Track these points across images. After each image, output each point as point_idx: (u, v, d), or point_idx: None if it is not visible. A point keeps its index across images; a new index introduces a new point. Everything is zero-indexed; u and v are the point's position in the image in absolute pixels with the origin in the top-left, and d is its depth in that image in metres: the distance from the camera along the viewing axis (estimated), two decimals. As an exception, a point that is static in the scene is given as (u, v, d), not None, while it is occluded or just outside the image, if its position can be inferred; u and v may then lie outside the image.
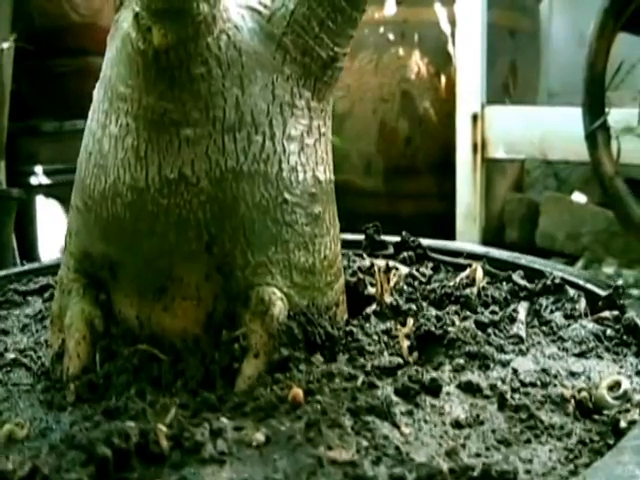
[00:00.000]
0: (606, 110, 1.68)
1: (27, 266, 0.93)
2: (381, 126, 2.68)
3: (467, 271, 0.78)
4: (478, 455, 0.49)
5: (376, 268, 0.70)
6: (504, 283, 0.78)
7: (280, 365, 0.58)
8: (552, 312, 0.72)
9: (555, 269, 0.80)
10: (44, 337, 0.74)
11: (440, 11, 2.60)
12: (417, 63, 2.64)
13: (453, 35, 2.57)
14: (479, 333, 0.63)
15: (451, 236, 2.60)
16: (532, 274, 0.80)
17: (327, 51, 0.60)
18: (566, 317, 0.70)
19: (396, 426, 0.51)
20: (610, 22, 1.62)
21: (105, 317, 0.64)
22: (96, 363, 0.63)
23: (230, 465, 0.47)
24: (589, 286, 0.75)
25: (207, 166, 0.58)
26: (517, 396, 0.55)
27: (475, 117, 2.53)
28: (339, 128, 2.54)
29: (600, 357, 0.63)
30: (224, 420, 0.52)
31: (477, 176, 2.62)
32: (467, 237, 2.59)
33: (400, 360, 0.58)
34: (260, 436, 0.50)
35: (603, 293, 0.72)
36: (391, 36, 2.62)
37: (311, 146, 0.61)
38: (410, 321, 0.63)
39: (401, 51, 2.63)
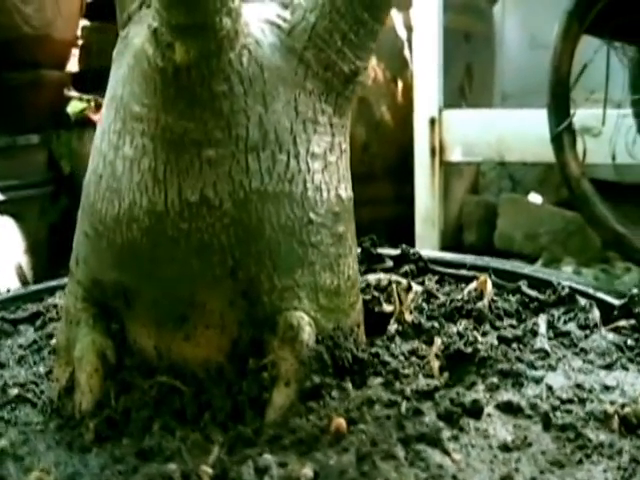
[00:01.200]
0: (571, 112, 1.70)
1: (12, 292, 0.89)
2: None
3: (474, 283, 0.77)
4: (534, 479, 0.47)
5: (394, 286, 0.68)
6: (512, 294, 0.78)
7: (313, 393, 0.56)
8: (566, 323, 0.71)
9: (560, 278, 0.79)
10: (43, 369, 0.71)
11: (396, 16, 2.60)
12: (373, 69, 2.64)
13: (409, 40, 2.58)
14: (509, 350, 0.62)
15: (410, 241, 2.60)
16: (537, 284, 0.80)
17: (349, 65, 0.58)
18: (581, 328, 0.69)
19: (447, 453, 0.49)
20: (574, 25, 1.64)
21: (118, 348, 0.62)
22: (110, 397, 0.60)
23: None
24: (599, 295, 0.74)
25: (230, 187, 0.56)
26: (559, 414, 0.54)
27: (433, 121, 2.54)
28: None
29: (625, 368, 0.62)
30: (267, 457, 0.50)
31: (435, 180, 2.63)
32: (426, 241, 2.60)
33: (437, 382, 0.57)
34: (308, 472, 0.48)
35: (615, 301, 0.72)
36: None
37: (334, 164, 0.60)
38: (438, 340, 0.62)
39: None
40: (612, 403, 0.55)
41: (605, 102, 1.81)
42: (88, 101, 2.30)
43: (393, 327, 0.66)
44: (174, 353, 0.59)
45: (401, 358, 0.61)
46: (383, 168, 2.71)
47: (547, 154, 1.95)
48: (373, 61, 2.63)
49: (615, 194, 1.99)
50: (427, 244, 2.57)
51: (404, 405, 0.53)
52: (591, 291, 0.75)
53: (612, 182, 2.32)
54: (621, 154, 2.07)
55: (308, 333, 0.57)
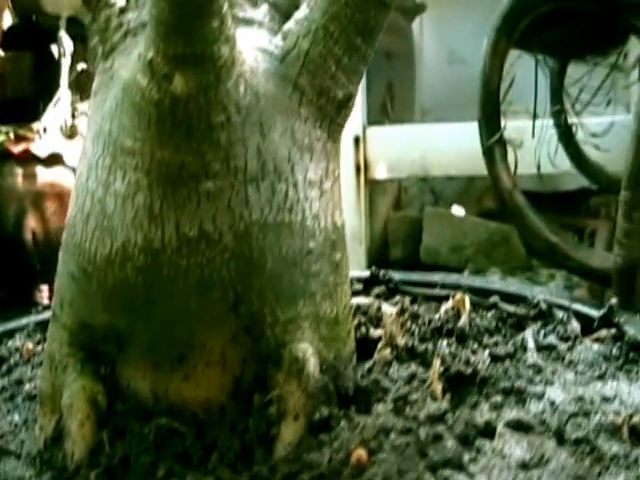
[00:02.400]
0: (502, 125, 1.74)
1: (-30, 336, 0.85)
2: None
3: (450, 302, 0.78)
4: (560, 497, 0.48)
5: (385, 310, 0.68)
6: (487, 311, 0.79)
7: (322, 425, 0.55)
8: (546, 336, 0.72)
9: (533, 292, 0.81)
10: (19, 418, 0.68)
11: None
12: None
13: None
14: (508, 368, 0.62)
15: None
16: (509, 299, 0.81)
17: (343, 90, 0.58)
18: (563, 340, 0.71)
19: (471, 476, 0.49)
20: (502, 40, 1.68)
21: (108, 393, 0.59)
22: (104, 445, 0.58)
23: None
24: (575, 307, 0.76)
25: (230, 220, 0.55)
26: (569, 429, 0.54)
27: (357, 139, 2.56)
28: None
29: (616, 378, 0.64)
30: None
31: (361, 198, 2.65)
32: (354, 259, 2.61)
33: (445, 405, 0.57)
34: (338, 506, 0.47)
35: (591, 312, 0.74)
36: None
37: (329, 190, 0.59)
38: (436, 363, 0.62)
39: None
40: (617, 414, 0.56)
41: (534, 114, 1.86)
42: (6, 133, 2.23)
43: (386, 351, 0.66)
44: (172, 395, 0.58)
45: (401, 383, 0.61)
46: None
47: (470, 167, 2.00)
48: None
49: (535, 204, 2.05)
50: (354, 262, 2.57)
51: (422, 431, 0.53)
52: (567, 303, 0.77)
53: (533, 192, 2.39)
54: (544, 164, 2.14)
55: (313, 365, 0.56)
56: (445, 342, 0.68)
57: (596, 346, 0.68)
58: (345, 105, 0.59)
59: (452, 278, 0.88)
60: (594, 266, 1.73)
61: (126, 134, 0.55)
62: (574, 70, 2.03)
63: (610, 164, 2.30)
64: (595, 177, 2.28)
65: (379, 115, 2.81)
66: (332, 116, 0.59)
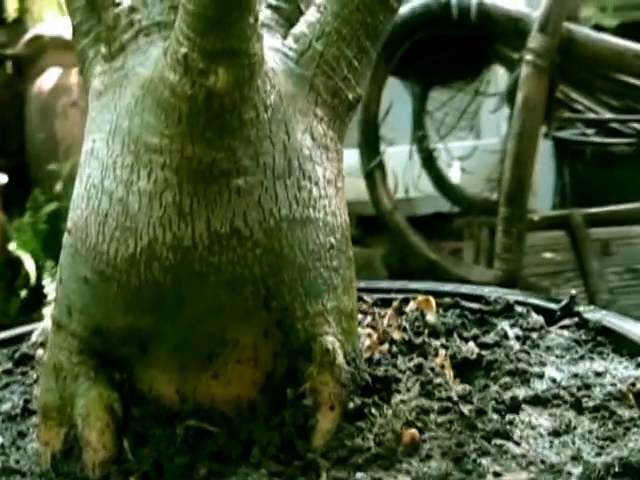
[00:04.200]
0: (381, 149, 1.82)
1: None
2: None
3: (412, 304, 0.81)
4: (599, 455, 0.52)
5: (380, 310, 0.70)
6: (448, 310, 0.82)
7: (357, 414, 0.57)
8: (513, 328, 0.77)
9: (486, 291, 0.85)
10: (1, 439, 0.64)
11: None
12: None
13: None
14: (510, 352, 0.66)
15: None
16: (464, 298, 0.85)
17: (353, 92, 0.60)
18: (531, 330, 0.76)
19: (517, 444, 0.52)
20: (381, 67, 1.77)
21: (124, 399, 0.58)
22: (126, 452, 0.56)
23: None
24: (532, 301, 0.81)
25: (261, 216, 0.55)
26: (583, 399, 0.59)
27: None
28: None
29: (594, 358, 0.69)
30: (360, 474, 0.50)
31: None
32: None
33: (467, 387, 0.60)
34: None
35: (550, 305, 0.79)
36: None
37: (341, 189, 0.61)
38: (442, 352, 0.65)
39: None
40: (614, 385, 0.61)
41: (412, 139, 1.96)
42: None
43: (385, 346, 0.68)
44: (200, 394, 0.57)
45: (410, 373, 0.63)
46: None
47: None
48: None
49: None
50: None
51: (463, 408, 0.55)
52: (523, 299, 0.82)
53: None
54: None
55: (341, 356, 0.58)
56: (430, 337, 0.71)
57: (565, 333, 0.74)
58: (354, 107, 0.61)
59: (399, 284, 0.92)
60: (473, 280, 1.84)
61: (151, 132, 0.55)
62: (440, 95, 2.16)
63: (470, 186, 2.45)
64: (456, 199, 2.42)
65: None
66: (342, 117, 0.61)
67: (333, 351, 0.57)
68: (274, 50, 0.58)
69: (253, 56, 0.53)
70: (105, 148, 0.57)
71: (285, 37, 0.60)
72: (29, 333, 0.86)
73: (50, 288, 2.55)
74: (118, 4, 0.59)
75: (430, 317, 0.78)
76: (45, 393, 0.60)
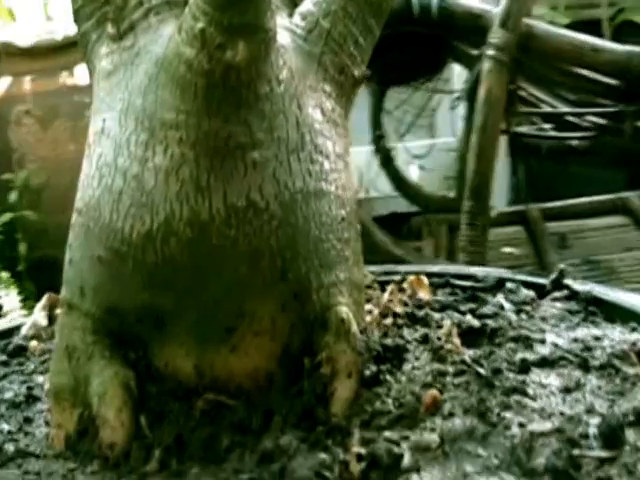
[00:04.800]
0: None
1: None
2: (80, 195, 2.58)
3: (405, 284, 0.83)
4: (611, 407, 0.54)
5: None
6: (437, 289, 0.84)
7: (373, 380, 0.58)
8: (506, 301, 0.79)
9: (473, 271, 0.88)
10: (8, 426, 0.63)
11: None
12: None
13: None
14: (514, 319, 0.68)
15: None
16: (452, 278, 0.87)
17: (358, 69, 0.62)
18: (524, 304, 0.78)
19: (534, 400, 0.54)
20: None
21: (139, 377, 0.58)
22: (143, 428, 0.57)
23: (442, 465, 0.47)
24: (520, 277, 0.84)
25: (276, 189, 0.56)
26: (589, 360, 0.61)
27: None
28: (36, 202, 2.41)
29: (587, 326, 0.71)
30: (388, 433, 0.51)
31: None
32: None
33: (477, 351, 0.61)
34: (434, 437, 0.50)
35: (539, 280, 0.82)
36: (86, 101, 2.56)
37: (349, 164, 0.62)
38: (447, 322, 0.66)
39: (97, 116, 2.58)
40: (613, 347, 0.64)
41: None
42: None
43: (388, 320, 0.69)
44: (218, 368, 0.58)
45: (416, 343, 0.65)
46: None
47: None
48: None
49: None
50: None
51: (479, 369, 0.57)
52: (511, 276, 0.84)
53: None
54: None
55: (355, 326, 0.59)
56: (431, 310, 0.72)
57: (558, 304, 0.76)
58: (360, 83, 0.62)
59: (387, 267, 0.93)
60: (439, 274, 1.86)
61: (166, 108, 0.55)
62: (398, 94, 2.18)
63: (427, 185, 2.48)
64: (415, 198, 2.45)
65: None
66: (348, 93, 0.62)
67: (348, 321, 0.58)
68: (283, 28, 0.59)
69: (268, 31, 0.54)
70: (117, 126, 0.57)
71: (291, 16, 0.61)
72: (18, 327, 0.85)
73: (6, 300, 2.51)
74: (125, -16, 0.59)
75: (424, 295, 0.79)
76: (57, 375, 0.60)
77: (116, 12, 0.59)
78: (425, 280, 0.82)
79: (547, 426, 0.49)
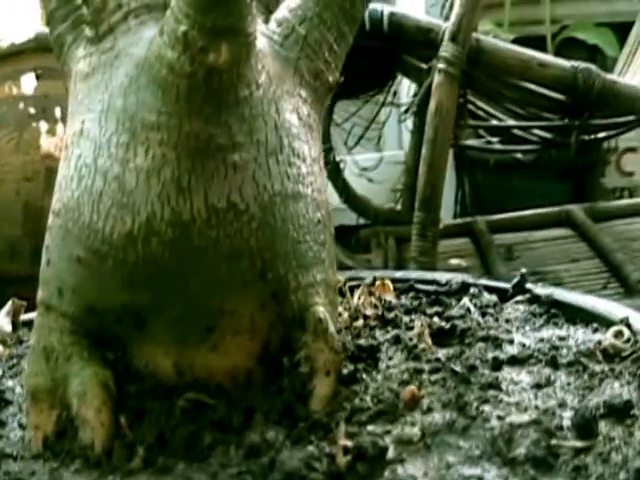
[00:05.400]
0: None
1: None
2: (26, 207, 2.54)
3: (373, 287, 0.84)
4: (581, 401, 0.56)
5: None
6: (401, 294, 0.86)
7: (351, 378, 0.59)
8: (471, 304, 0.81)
9: (436, 276, 0.90)
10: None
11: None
12: (61, 138, 2.58)
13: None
14: (481, 320, 0.70)
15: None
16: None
17: (332, 75, 0.63)
18: (487, 307, 0.80)
19: (509, 395, 0.56)
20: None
21: (118, 377, 0.58)
22: (123, 428, 0.57)
23: (425, 457, 0.48)
24: (482, 282, 0.86)
25: (255, 191, 0.57)
26: (557, 358, 0.63)
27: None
28: (-20, 212, 2.37)
29: (551, 327, 0.74)
30: (371, 427, 0.52)
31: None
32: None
33: (451, 350, 0.63)
34: (415, 431, 0.51)
35: (500, 284, 0.84)
36: (32, 111, 2.53)
37: (322, 168, 0.64)
38: (418, 323, 0.68)
39: (43, 127, 2.55)
40: (578, 346, 0.66)
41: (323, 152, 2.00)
42: None
43: (359, 322, 0.70)
44: (198, 367, 0.58)
45: (388, 343, 0.67)
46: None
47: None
48: (60, 130, 2.57)
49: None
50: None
51: (454, 366, 0.59)
52: (472, 280, 0.86)
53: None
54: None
55: (332, 326, 0.60)
56: (398, 312, 0.74)
57: (521, 307, 0.78)
58: (333, 89, 0.64)
59: (350, 273, 0.95)
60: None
61: (147, 109, 0.56)
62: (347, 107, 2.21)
63: (375, 198, 2.51)
64: (363, 211, 2.47)
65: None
66: (322, 99, 0.64)
67: (325, 320, 0.59)
68: (260, 33, 0.60)
69: (249, 35, 0.55)
70: (97, 128, 0.58)
71: (266, 22, 0.63)
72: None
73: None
74: (104, -13, 0.60)
75: (389, 299, 0.81)
76: (34, 377, 0.59)
77: (94, 14, 0.59)
78: (390, 285, 0.83)
79: (525, 418, 0.51)
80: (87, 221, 0.57)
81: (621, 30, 2.44)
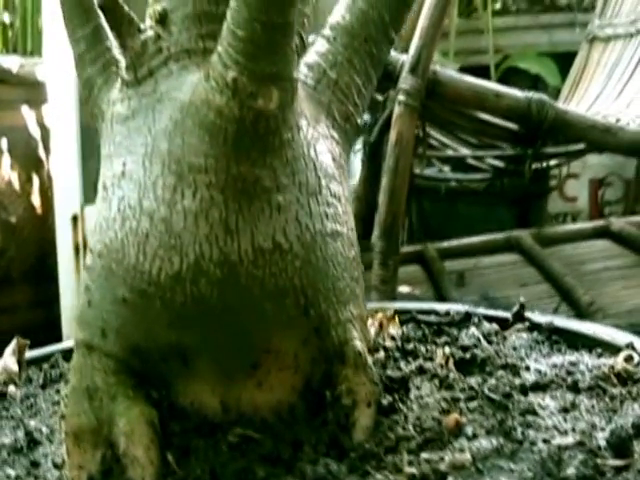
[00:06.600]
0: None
1: None
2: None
3: (370, 320, 0.86)
4: (609, 423, 0.59)
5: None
6: (406, 324, 0.89)
7: (390, 409, 0.61)
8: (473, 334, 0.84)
9: (435, 306, 0.93)
10: (14, 472, 0.62)
11: (28, 115, 2.55)
12: (6, 171, 2.55)
13: (43, 138, 2.54)
14: (495, 349, 0.73)
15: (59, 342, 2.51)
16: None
17: (360, 117, 0.66)
18: (490, 335, 0.83)
19: (544, 419, 0.59)
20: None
21: (162, 415, 0.59)
22: (170, 465, 0.58)
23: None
24: (480, 312, 0.89)
25: (298, 231, 0.59)
26: (578, 383, 0.67)
27: (75, 218, 2.52)
28: None
29: (557, 353, 0.77)
30: (425, 455, 0.54)
31: (81, 278, 2.58)
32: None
33: (478, 379, 0.66)
34: (466, 457, 0.54)
35: (498, 314, 0.88)
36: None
37: (351, 207, 0.66)
38: (439, 353, 0.71)
39: (-11, 158, 2.51)
40: (591, 371, 0.70)
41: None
42: None
43: (380, 354, 0.73)
44: (244, 403, 0.59)
45: (413, 374, 0.69)
46: (21, 272, 2.61)
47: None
48: (6, 162, 2.53)
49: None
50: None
51: (490, 393, 0.61)
52: (470, 310, 0.89)
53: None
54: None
55: (369, 359, 0.62)
56: (415, 344, 0.77)
57: (523, 335, 0.82)
58: (359, 132, 0.66)
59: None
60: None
61: (194, 152, 0.57)
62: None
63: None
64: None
65: (93, 193, 2.79)
66: (351, 140, 0.66)
67: (364, 354, 0.61)
68: (294, 78, 0.63)
69: (294, 80, 0.58)
70: (141, 170, 0.59)
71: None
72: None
73: None
74: (143, 31, 0.61)
75: (394, 331, 0.83)
76: (77, 417, 0.60)
77: (134, 58, 0.61)
78: (396, 317, 0.86)
79: (570, 440, 0.54)
80: (133, 262, 0.58)
81: (562, 60, 2.55)
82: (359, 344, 0.62)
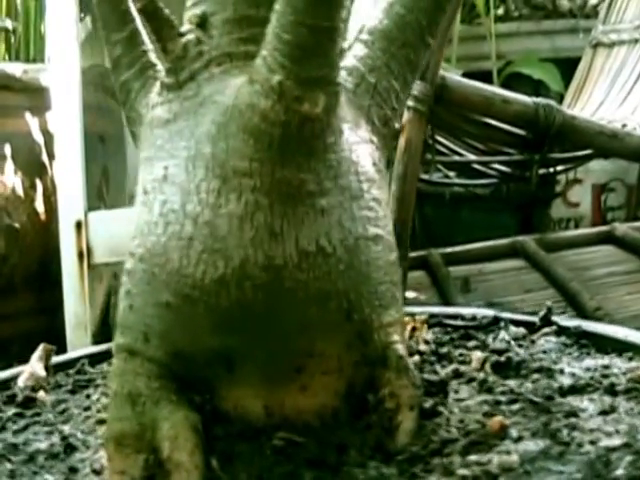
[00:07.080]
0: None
1: None
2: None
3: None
4: (653, 424, 0.60)
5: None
6: (433, 328, 0.89)
7: (432, 412, 0.61)
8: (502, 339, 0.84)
9: (460, 311, 0.93)
10: (53, 477, 0.62)
11: (32, 121, 2.54)
12: (10, 177, 2.55)
13: (46, 144, 2.54)
14: (529, 353, 0.73)
15: (62, 349, 2.51)
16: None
17: (398, 122, 0.66)
18: (518, 340, 0.83)
19: (586, 421, 0.59)
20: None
21: (205, 420, 0.59)
22: (214, 470, 0.58)
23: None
24: (504, 316, 0.89)
25: (341, 235, 0.59)
26: (614, 386, 0.67)
27: (79, 224, 2.51)
28: None
29: (588, 357, 0.78)
30: (472, 457, 0.54)
31: (85, 284, 2.58)
32: (79, 345, 2.53)
33: (515, 382, 0.66)
34: (514, 458, 0.54)
35: (523, 317, 0.88)
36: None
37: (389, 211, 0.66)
38: (475, 357, 0.71)
39: (-7, 164, 2.51)
40: (624, 374, 0.70)
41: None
42: None
43: (416, 358, 0.73)
44: (288, 408, 0.59)
45: (449, 377, 0.69)
46: (25, 279, 2.60)
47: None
48: (10, 168, 2.53)
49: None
50: (80, 347, 2.50)
51: (531, 396, 0.61)
52: (496, 314, 0.90)
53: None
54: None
55: (411, 362, 0.62)
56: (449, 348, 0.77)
57: (552, 339, 0.82)
58: (398, 136, 0.67)
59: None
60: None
61: (238, 156, 0.57)
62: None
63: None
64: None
65: (96, 200, 2.78)
66: (389, 145, 0.66)
67: (405, 357, 0.61)
68: (333, 81, 0.63)
69: (339, 84, 0.58)
70: (184, 174, 0.59)
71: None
72: (8, 380, 0.83)
73: None
74: (184, 34, 0.61)
75: (424, 334, 0.84)
76: (119, 422, 0.59)
77: (175, 62, 0.61)
78: (425, 322, 0.86)
79: (617, 442, 0.54)
80: (176, 266, 0.58)
81: (564, 65, 2.56)
82: (401, 348, 0.62)
